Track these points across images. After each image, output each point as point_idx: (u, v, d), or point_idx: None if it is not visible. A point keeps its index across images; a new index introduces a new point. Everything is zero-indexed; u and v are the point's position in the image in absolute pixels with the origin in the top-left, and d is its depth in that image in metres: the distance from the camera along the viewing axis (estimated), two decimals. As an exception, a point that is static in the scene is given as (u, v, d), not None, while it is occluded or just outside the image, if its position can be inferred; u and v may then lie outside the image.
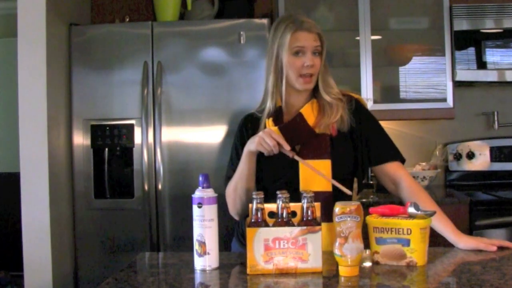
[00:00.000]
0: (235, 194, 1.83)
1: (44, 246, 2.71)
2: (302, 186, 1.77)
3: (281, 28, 1.84)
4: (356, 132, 1.87)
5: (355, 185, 2.02)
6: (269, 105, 1.87)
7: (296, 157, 1.74)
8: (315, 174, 1.77)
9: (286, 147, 1.71)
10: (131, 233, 2.86)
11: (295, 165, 1.80)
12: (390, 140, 1.93)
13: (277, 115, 1.86)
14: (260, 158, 1.84)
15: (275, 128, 1.81)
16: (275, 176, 1.83)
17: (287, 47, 1.81)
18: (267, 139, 1.70)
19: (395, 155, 1.90)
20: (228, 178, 1.90)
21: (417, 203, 1.54)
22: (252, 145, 1.75)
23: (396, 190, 1.88)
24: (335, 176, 1.79)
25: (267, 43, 1.91)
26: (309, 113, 1.84)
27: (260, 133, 1.73)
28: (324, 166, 1.79)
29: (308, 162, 1.75)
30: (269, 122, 1.84)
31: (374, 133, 1.91)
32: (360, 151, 1.87)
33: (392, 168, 1.88)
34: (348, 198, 1.88)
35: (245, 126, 1.92)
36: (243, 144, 1.84)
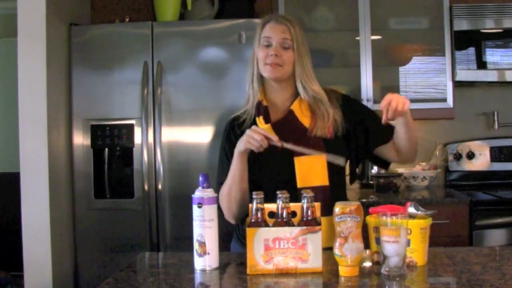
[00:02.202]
0: (229, 197, 1.82)
1: (44, 246, 2.71)
2: (299, 183, 1.77)
3: (257, 25, 1.91)
4: (351, 123, 1.88)
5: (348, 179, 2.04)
6: (251, 101, 1.88)
7: (286, 145, 1.74)
8: (312, 169, 1.78)
9: (274, 138, 1.72)
10: (131, 233, 2.85)
11: (291, 163, 1.80)
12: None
13: (264, 113, 1.86)
14: (254, 158, 1.84)
15: (267, 126, 1.82)
16: (271, 175, 1.83)
17: (257, 39, 1.86)
18: (254, 135, 1.71)
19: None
20: (220, 184, 1.89)
21: (417, 203, 1.55)
22: (241, 144, 1.76)
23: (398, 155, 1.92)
24: (330, 170, 1.80)
25: None
26: (299, 111, 1.85)
27: (247, 131, 1.73)
28: (319, 160, 1.79)
29: (299, 148, 1.76)
30: (260, 120, 1.84)
31: (371, 117, 1.92)
32: (359, 138, 1.89)
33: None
34: (343, 194, 1.88)
35: (232, 129, 1.93)
36: (232, 147, 1.84)
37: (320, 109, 1.84)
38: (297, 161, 1.80)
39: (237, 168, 1.80)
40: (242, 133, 1.86)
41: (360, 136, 1.89)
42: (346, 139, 1.88)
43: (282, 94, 1.90)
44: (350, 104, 1.93)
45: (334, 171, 1.82)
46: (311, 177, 1.78)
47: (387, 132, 1.89)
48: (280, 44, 1.83)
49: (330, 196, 1.73)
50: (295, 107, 1.85)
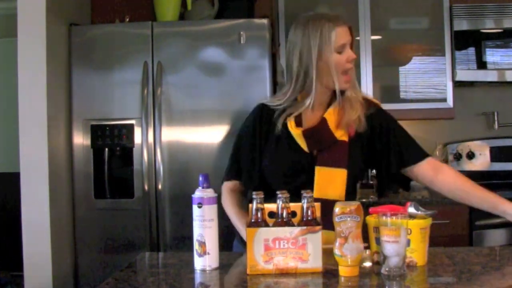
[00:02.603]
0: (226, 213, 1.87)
1: (44, 246, 2.71)
2: (316, 194, 1.73)
3: (317, 25, 1.78)
4: (379, 136, 1.86)
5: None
6: (291, 98, 1.85)
7: None
8: (331, 182, 1.77)
9: None
10: (131, 233, 2.85)
11: (310, 171, 1.80)
12: (415, 140, 1.95)
13: (299, 115, 1.84)
14: (270, 156, 1.84)
15: (299, 132, 1.81)
16: (289, 178, 1.82)
17: (329, 43, 1.77)
18: None
19: (425, 154, 1.92)
20: (228, 176, 1.90)
21: (417, 203, 1.55)
22: None
23: (436, 183, 1.87)
24: (348, 183, 1.80)
25: (291, 43, 1.85)
26: (332, 117, 1.83)
27: None
28: (340, 175, 1.79)
29: None
30: (291, 124, 1.82)
31: (401, 135, 1.92)
32: (386, 155, 1.87)
33: (429, 165, 1.89)
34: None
35: (260, 117, 1.89)
36: (254, 133, 1.85)
37: (351, 106, 1.82)
38: (318, 170, 1.79)
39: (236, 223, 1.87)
40: (267, 124, 1.86)
41: (385, 153, 1.87)
42: (368, 140, 1.86)
43: (324, 96, 1.86)
44: (382, 116, 1.90)
45: (351, 184, 1.82)
46: (329, 189, 1.76)
47: (420, 152, 1.88)
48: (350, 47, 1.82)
49: None
50: (328, 115, 1.83)
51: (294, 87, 1.84)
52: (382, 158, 1.88)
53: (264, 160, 1.86)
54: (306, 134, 1.81)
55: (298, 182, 1.79)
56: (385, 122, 1.90)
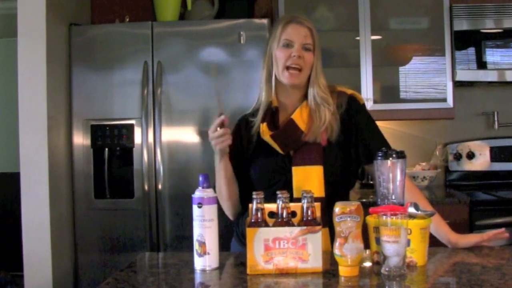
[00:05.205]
0: (220, 196, 1.83)
1: (44, 246, 2.71)
2: (295, 194, 1.75)
3: (275, 25, 1.88)
4: (348, 132, 1.85)
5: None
6: (263, 102, 1.87)
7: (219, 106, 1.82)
8: (308, 180, 1.77)
9: (218, 120, 1.78)
10: (131, 233, 2.86)
11: (288, 172, 1.80)
12: (383, 137, 1.91)
13: (272, 115, 1.85)
14: (252, 164, 1.85)
15: (267, 137, 1.82)
16: (268, 182, 1.83)
17: (277, 40, 1.82)
18: (214, 139, 1.77)
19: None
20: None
21: (417, 203, 1.55)
22: (217, 155, 1.81)
23: None
24: (327, 182, 1.78)
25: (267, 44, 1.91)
26: (299, 118, 1.83)
27: (210, 140, 1.79)
28: (316, 172, 1.78)
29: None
30: (263, 127, 1.83)
31: (368, 130, 1.88)
32: (354, 148, 1.85)
33: None
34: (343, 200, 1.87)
35: (239, 129, 1.93)
36: (234, 146, 1.86)
37: (318, 113, 1.82)
38: (295, 171, 1.79)
39: (219, 167, 1.83)
40: (247, 134, 1.88)
41: (355, 146, 1.86)
42: (344, 146, 1.84)
43: (293, 97, 1.87)
44: (354, 109, 1.88)
45: (331, 182, 1.80)
46: (307, 188, 1.76)
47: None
48: (302, 46, 1.81)
49: (325, 208, 1.68)
50: (296, 116, 1.83)
51: (264, 85, 1.88)
52: (353, 150, 1.86)
53: (249, 168, 1.88)
54: (274, 137, 1.81)
55: (280, 184, 1.79)
56: (356, 116, 1.87)
